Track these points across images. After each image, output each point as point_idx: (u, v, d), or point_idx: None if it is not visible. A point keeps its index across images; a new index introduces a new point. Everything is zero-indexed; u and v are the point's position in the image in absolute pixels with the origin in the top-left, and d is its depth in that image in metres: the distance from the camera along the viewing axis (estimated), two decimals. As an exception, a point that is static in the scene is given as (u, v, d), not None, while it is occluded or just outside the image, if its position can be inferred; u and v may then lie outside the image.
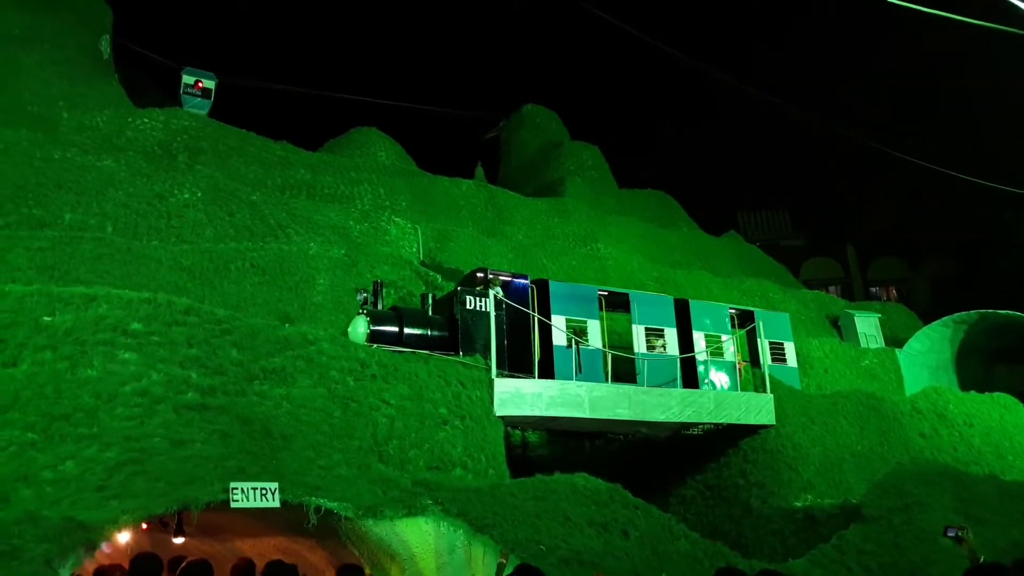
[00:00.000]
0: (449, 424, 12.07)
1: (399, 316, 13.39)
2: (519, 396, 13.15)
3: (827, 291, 33.07)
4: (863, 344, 23.60)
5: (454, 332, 13.52)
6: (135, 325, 10.13)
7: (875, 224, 41.90)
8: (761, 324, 17.00)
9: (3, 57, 20.31)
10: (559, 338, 14.30)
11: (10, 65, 20.19)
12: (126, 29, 28.62)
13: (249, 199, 18.19)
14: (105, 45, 24.97)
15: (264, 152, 21.97)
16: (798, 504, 14.87)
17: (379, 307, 13.73)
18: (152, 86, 31.61)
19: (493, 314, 13.53)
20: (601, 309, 15.27)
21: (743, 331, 16.98)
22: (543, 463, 15.99)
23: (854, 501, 14.12)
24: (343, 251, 16.78)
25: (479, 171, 32.24)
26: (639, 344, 15.33)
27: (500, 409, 12.85)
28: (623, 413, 14.16)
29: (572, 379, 13.93)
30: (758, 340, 16.86)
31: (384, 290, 14.95)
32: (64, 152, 17.11)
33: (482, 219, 24.36)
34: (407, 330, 13.19)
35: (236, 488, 8.83)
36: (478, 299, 13.85)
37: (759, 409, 15.74)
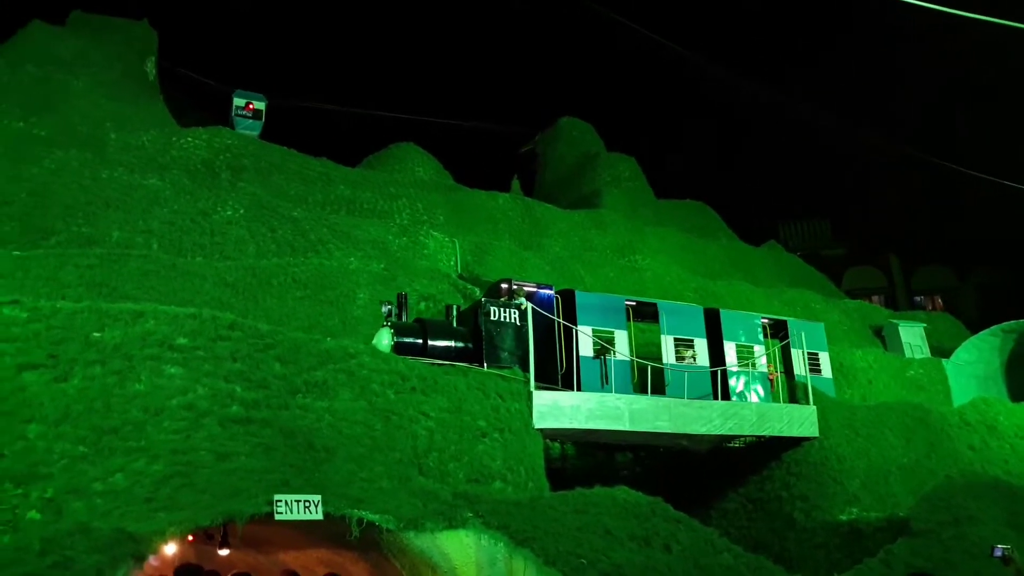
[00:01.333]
0: (488, 437, 12.09)
1: (423, 328, 13.39)
2: (558, 409, 13.13)
3: (870, 301, 32.52)
4: (908, 354, 23.18)
5: (478, 343, 13.45)
6: (181, 340, 10.33)
7: (919, 232, 41.19)
8: (796, 334, 16.70)
9: (54, 81, 20.95)
10: (585, 349, 14.16)
11: (61, 88, 20.82)
12: (170, 51, 29.29)
13: (290, 215, 18.49)
14: (151, 67, 25.62)
15: (305, 169, 22.31)
16: (843, 517, 14.62)
17: (403, 319, 13.77)
18: (194, 104, 32.27)
19: (531, 325, 13.51)
20: (629, 319, 15.10)
21: (776, 341, 16.71)
22: (579, 475, 15.92)
23: (901, 515, 13.86)
24: (382, 265, 16.95)
25: (515, 184, 32.37)
26: (668, 355, 15.08)
27: (539, 422, 12.83)
28: (663, 426, 14.05)
29: (599, 391, 13.81)
30: (791, 350, 16.58)
31: (424, 303, 15.04)
32: (111, 171, 17.58)
33: (519, 232, 24.43)
34: (431, 342, 13.18)
35: (280, 500, 8.93)
36: (502, 310, 13.82)
37: (802, 421, 15.53)
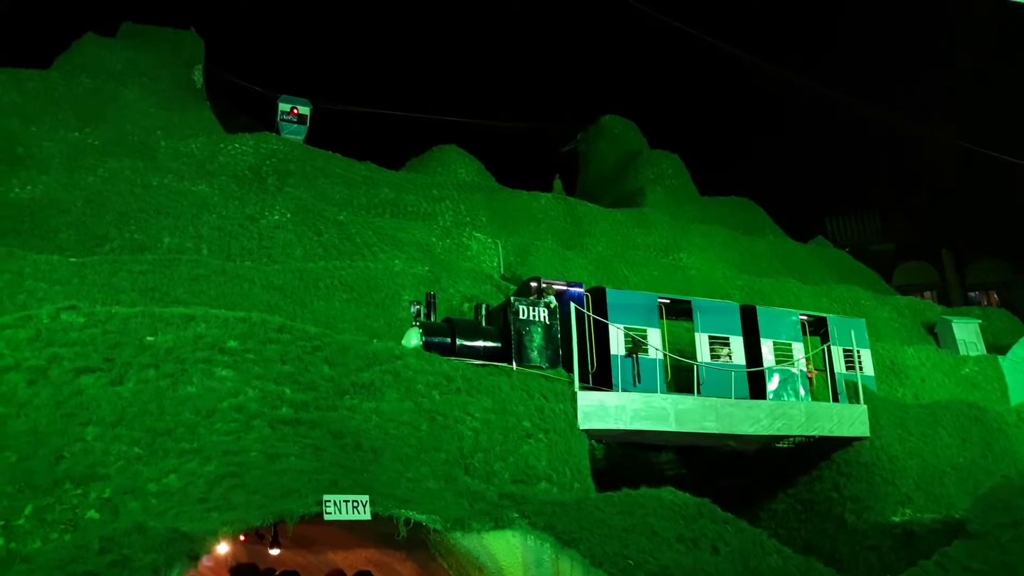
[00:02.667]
0: (533, 437, 12.10)
1: (451, 328, 13.40)
2: (603, 409, 13.07)
3: (922, 297, 31.82)
4: (962, 351, 22.63)
5: (507, 342, 13.39)
6: (231, 343, 10.53)
7: (973, 225, 40.14)
8: (837, 330, 16.37)
9: (107, 91, 21.56)
10: (617, 347, 13.93)
11: (113, 98, 21.42)
12: (216, 57, 29.86)
13: (336, 219, 18.74)
14: (198, 74, 26.19)
15: (349, 172, 22.60)
16: (896, 519, 14.33)
17: (432, 319, 13.80)
18: (239, 109, 32.86)
19: (573, 324, 13.47)
20: (662, 317, 14.80)
21: (816, 338, 16.36)
22: (622, 475, 15.84)
23: (957, 516, 13.53)
24: (426, 267, 17.09)
25: (557, 184, 32.35)
26: (703, 353, 14.80)
27: (584, 422, 12.80)
28: (711, 426, 13.90)
29: (631, 390, 13.58)
30: (831, 348, 16.19)
31: (467, 304, 15.07)
32: (162, 179, 18.03)
33: (561, 232, 24.43)
34: (460, 341, 13.17)
35: (329, 501, 9.06)
36: (531, 309, 13.79)
37: (852, 420, 15.25)
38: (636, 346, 14.05)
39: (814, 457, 15.68)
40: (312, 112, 25.75)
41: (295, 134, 24.61)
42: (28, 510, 8.17)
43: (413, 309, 13.44)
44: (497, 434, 11.80)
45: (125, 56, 23.65)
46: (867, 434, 15.24)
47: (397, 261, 17.19)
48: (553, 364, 13.40)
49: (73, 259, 14.54)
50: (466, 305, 16.36)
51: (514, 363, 13.03)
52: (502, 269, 20.46)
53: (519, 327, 13.45)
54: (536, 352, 13.39)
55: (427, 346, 12.69)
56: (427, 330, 13.04)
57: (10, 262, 13.84)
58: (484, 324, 13.99)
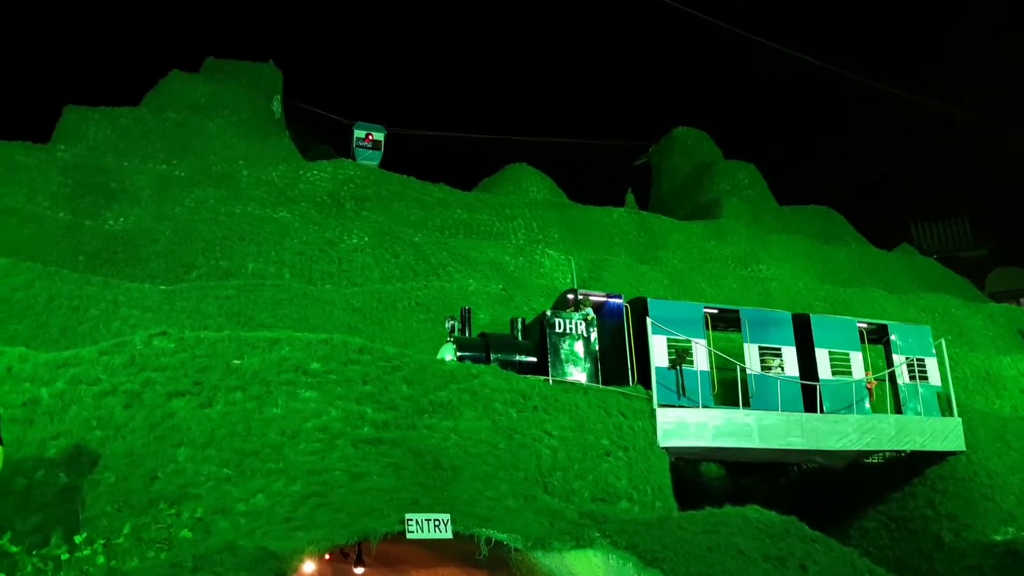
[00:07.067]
0: (612, 455, 11.98)
1: (486, 342, 13.34)
2: (683, 426, 12.85)
3: (1018, 304, 30.36)
4: (1065, 360, 21.46)
5: (543, 356, 13.25)
6: (314, 365, 10.78)
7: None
8: (900, 338, 15.49)
9: (192, 125, 22.49)
10: (660, 359, 13.47)
11: (198, 131, 22.33)
12: (292, 87, 30.81)
13: (412, 240, 19.06)
14: (277, 105, 27.06)
15: (423, 195, 22.96)
16: (998, 537, 13.66)
17: (467, 334, 13.74)
18: (316, 136, 33.77)
19: (650, 340, 13.26)
20: (708, 328, 14.30)
21: (879, 347, 15.60)
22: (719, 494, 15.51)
23: (1065, 535, 12.83)
24: (500, 286, 17.21)
25: (630, 198, 32.13)
26: (752, 364, 14.20)
27: (664, 440, 12.61)
28: (796, 442, 13.51)
29: (675, 402, 13.16)
30: (893, 357, 15.41)
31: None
32: (245, 207, 18.69)
33: (635, 246, 24.24)
34: (495, 355, 13.11)
35: (411, 519, 9.14)
36: (567, 322, 13.57)
37: (946, 434, 14.62)
38: (680, 357, 13.63)
39: (905, 472, 15.10)
40: (386, 137, 26.34)
41: (370, 159, 25.24)
42: (127, 529, 8.49)
43: (448, 324, 13.50)
44: (576, 452, 11.73)
45: (208, 90, 24.65)
46: (962, 448, 14.62)
47: (471, 280, 17.37)
48: (592, 377, 13.24)
49: (163, 286, 15.17)
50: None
51: (550, 377, 12.92)
52: (576, 285, 20.38)
53: (555, 340, 13.33)
54: (573, 365, 13.26)
55: (461, 361, 12.72)
56: (461, 345, 13.07)
57: (106, 291, 14.53)
58: (521, 338, 13.93)
